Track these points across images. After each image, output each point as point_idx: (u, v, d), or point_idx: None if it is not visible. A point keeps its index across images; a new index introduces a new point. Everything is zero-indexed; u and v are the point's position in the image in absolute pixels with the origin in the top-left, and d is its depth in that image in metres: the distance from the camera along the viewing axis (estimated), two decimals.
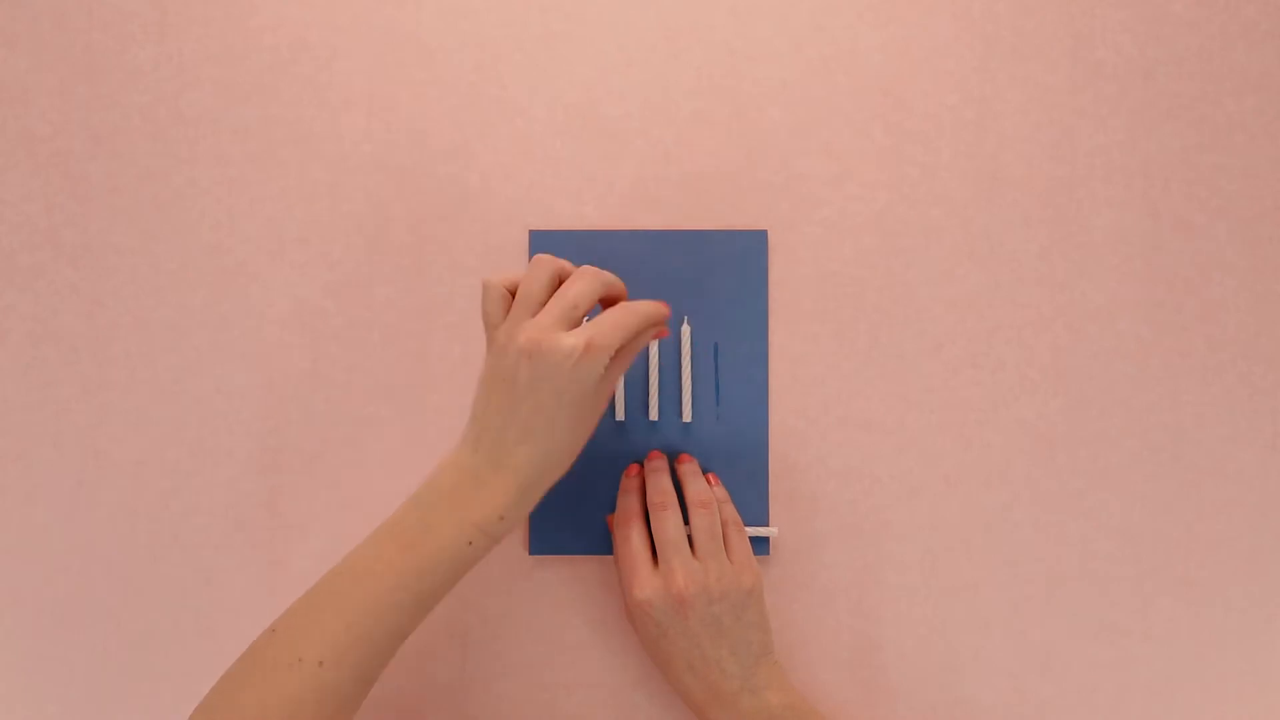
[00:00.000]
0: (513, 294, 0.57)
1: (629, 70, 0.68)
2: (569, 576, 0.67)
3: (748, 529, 0.65)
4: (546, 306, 0.55)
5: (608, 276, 0.57)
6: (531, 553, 0.66)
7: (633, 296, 0.66)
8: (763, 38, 0.68)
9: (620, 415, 0.66)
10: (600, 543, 0.66)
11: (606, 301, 0.59)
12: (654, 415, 0.66)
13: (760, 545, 0.66)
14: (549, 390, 0.54)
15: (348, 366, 0.67)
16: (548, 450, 0.55)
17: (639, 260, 0.67)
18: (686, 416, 0.66)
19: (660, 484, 0.63)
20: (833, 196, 0.67)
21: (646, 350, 0.66)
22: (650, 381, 0.66)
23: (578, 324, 0.56)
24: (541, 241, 0.67)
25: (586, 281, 0.56)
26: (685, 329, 0.66)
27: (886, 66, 0.68)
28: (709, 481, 0.65)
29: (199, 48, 0.68)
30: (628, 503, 0.63)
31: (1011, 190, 0.67)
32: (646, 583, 0.60)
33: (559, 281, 0.57)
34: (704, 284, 0.67)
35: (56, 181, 0.67)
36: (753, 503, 0.66)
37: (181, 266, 0.67)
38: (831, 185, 0.67)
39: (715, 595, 0.59)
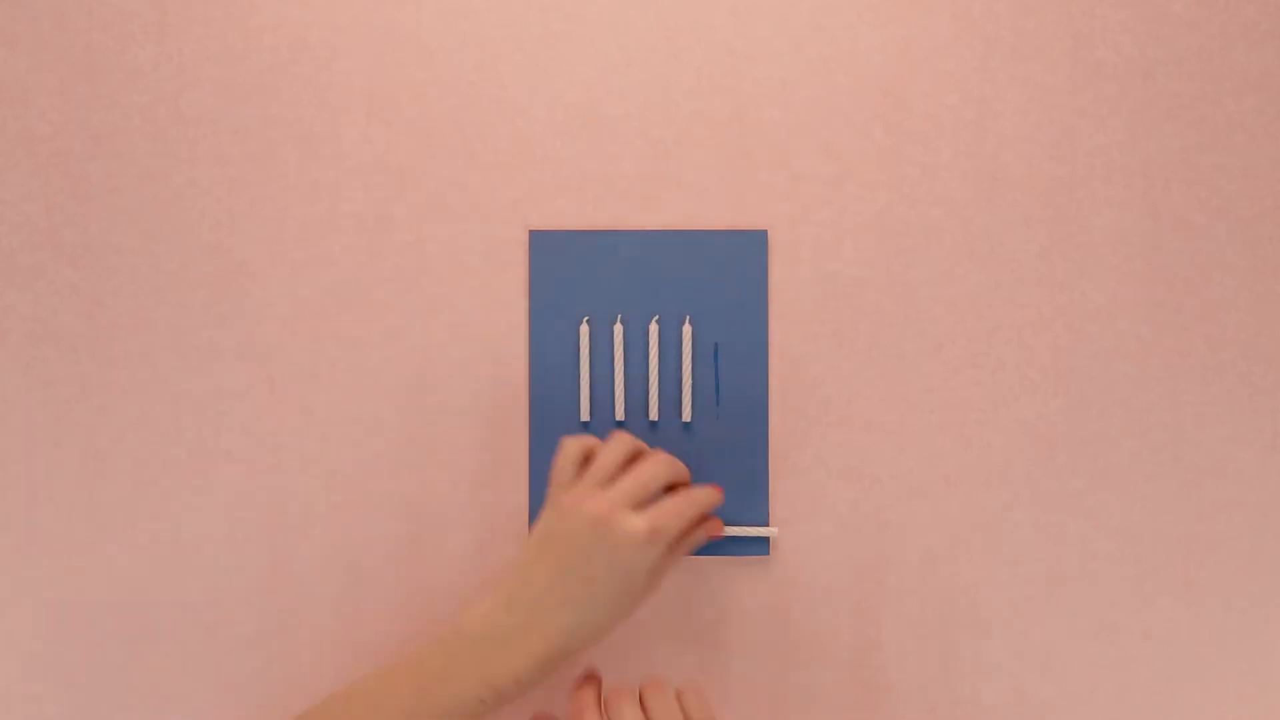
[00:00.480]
0: (586, 459, 0.60)
1: (629, 70, 0.68)
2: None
3: (748, 528, 0.65)
4: (621, 483, 0.57)
5: (679, 465, 0.60)
6: None
7: (634, 295, 0.66)
8: (763, 38, 0.68)
9: (620, 415, 0.66)
10: None
11: (669, 488, 0.62)
12: (654, 415, 0.66)
13: (760, 545, 0.66)
14: (604, 564, 0.55)
15: (348, 367, 0.67)
16: (585, 620, 0.55)
17: (638, 260, 0.67)
18: (686, 416, 0.66)
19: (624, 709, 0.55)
20: (833, 196, 0.67)
21: (646, 350, 0.66)
22: (650, 381, 0.66)
23: (644, 506, 0.57)
24: (541, 241, 0.67)
25: (662, 466, 0.59)
26: (686, 329, 0.66)
27: (886, 66, 0.68)
28: (681, 698, 0.57)
29: (199, 48, 0.68)
30: (580, 696, 0.56)
31: (1011, 190, 0.67)
32: None
33: (633, 458, 0.60)
34: (704, 284, 0.67)
35: (56, 181, 0.67)
36: (753, 503, 0.66)
37: (181, 266, 0.67)
38: (831, 185, 0.67)
39: None
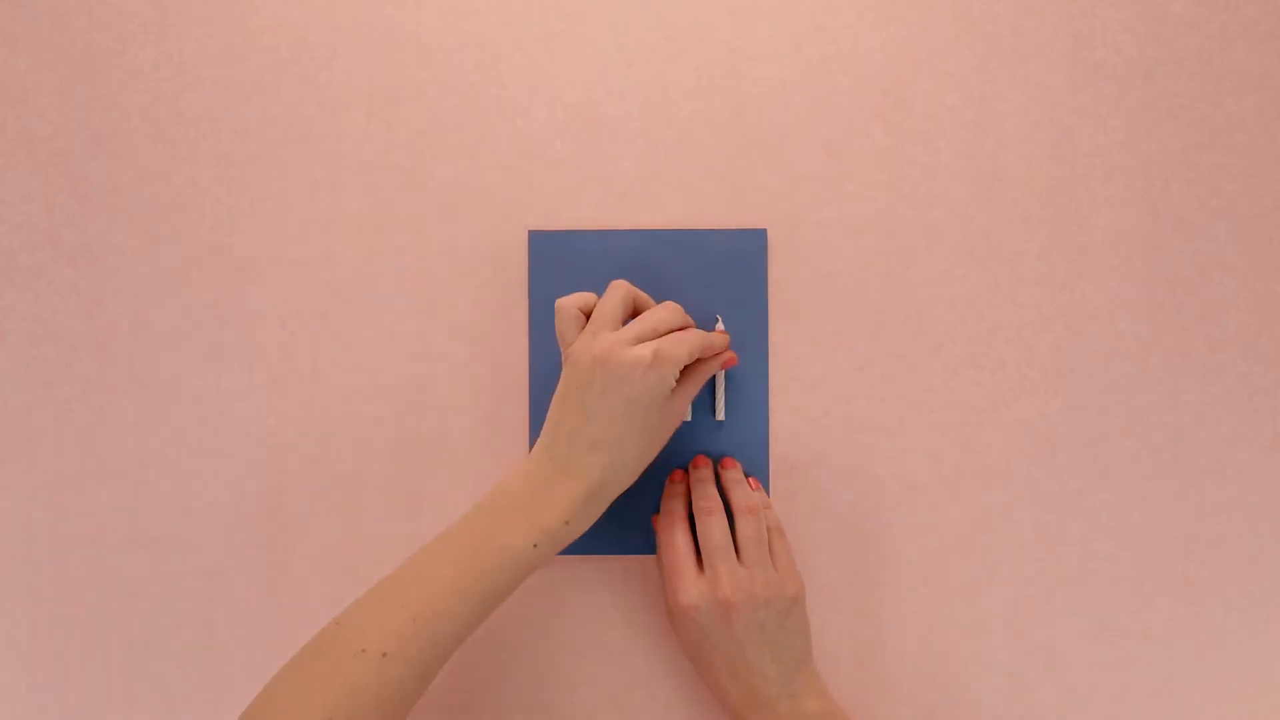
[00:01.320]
0: (586, 315, 0.60)
1: (629, 70, 0.68)
2: (570, 577, 0.67)
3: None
4: (629, 325, 0.58)
5: (684, 313, 0.60)
6: None
7: None
8: (763, 38, 0.68)
9: None
10: (601, 543, 0.66)
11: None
12: None
13: None
14: (620, 399, 0.56)
15: (348, 366, 0.67)
16: (615, 458, 0.57)
17: (638, 260, 0.67)
18: (687, 416, 0.66)
19: (706, 490, 0.63)
20: (833, 196, 0.67)
21: None
22: None
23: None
24: (541, 241, 0.67)
25: (666, 312, 0.59)
26: None
27: (886, 66, 0.68)
28: (751, 486, 0.65)
29: (199, 48, 0.68)
30: (673, 506, 0.64)
31: (1011, 190, 0.67)
32: (692, 587, 0.60)
33: (632, 305, 0.61)
34: (704, 284, 0.67)
35: (56, 181, 0.67)
36: None
37: (181, 266, 0.67)
38: (831, 185, 0.67)
39: (760, 602, 0.60)
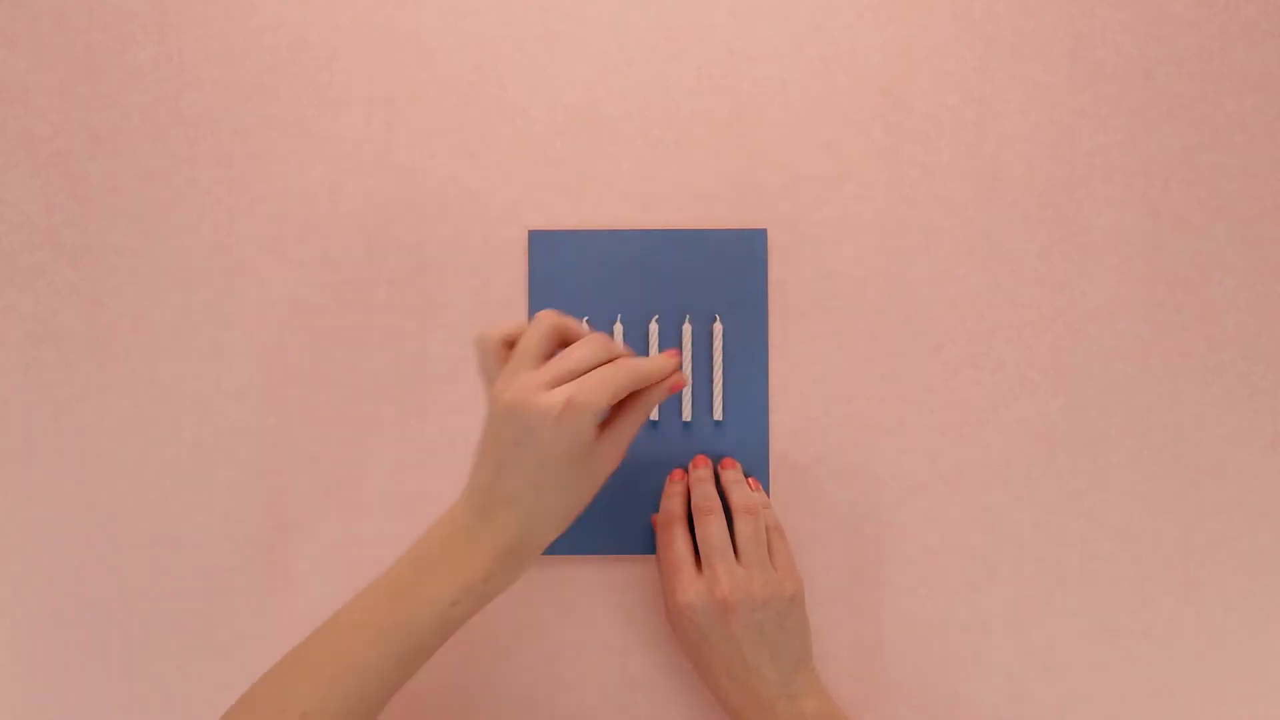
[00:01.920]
0: (510, 347, 0.56)
1: (629, 70, 0.68)
2: (570, 576, 0.67)
3: None
4: (544, 366, 0.53)
5: (615, 345, 0.55)
6: None
7: (634, 295, 0.66)
8: (763, 38, 0.68)
9: None
10: (602, 543, 0.66)
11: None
12: (654, 415, 0.66)
13: None
14: (532, 453, 0.52)
15: (348, 366, 0.67)
16: (532, 516, 0.53)
17: (639, 260, 0.67)
18: (686, 416, 0.66)
19: (705, 490, 0.63)
20: (833, 196, 0.67)
21: (646, 350, 0.66)
22: None
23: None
24: (541, 241, 0.67)
25: (590, 349, 0.54)
26: (686, 329, 0.66)
27: (886, 66, 0.68)
28: (750, 486, 0.65)
29: (199, 48, 0.68)
30: (672, 506, 0.63)
31: (1011, 190, 0.67)
32: (690, 586, 0.60)
33: (560, 338, 0.55)
34: (704, 284, 0.67)
35: (56, 181, 0.67)
36: None
37: (181, 266, 0.67)
38: (831, 185, 0.67)
39: (759, 602, 0.59)
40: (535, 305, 0.67)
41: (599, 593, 0.67)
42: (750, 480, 0.65)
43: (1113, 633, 0.66)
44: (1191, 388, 0.67)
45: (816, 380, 0.67)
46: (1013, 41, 0.67)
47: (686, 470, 0.65)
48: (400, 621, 0.53)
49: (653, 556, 0.66)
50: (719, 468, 0.65)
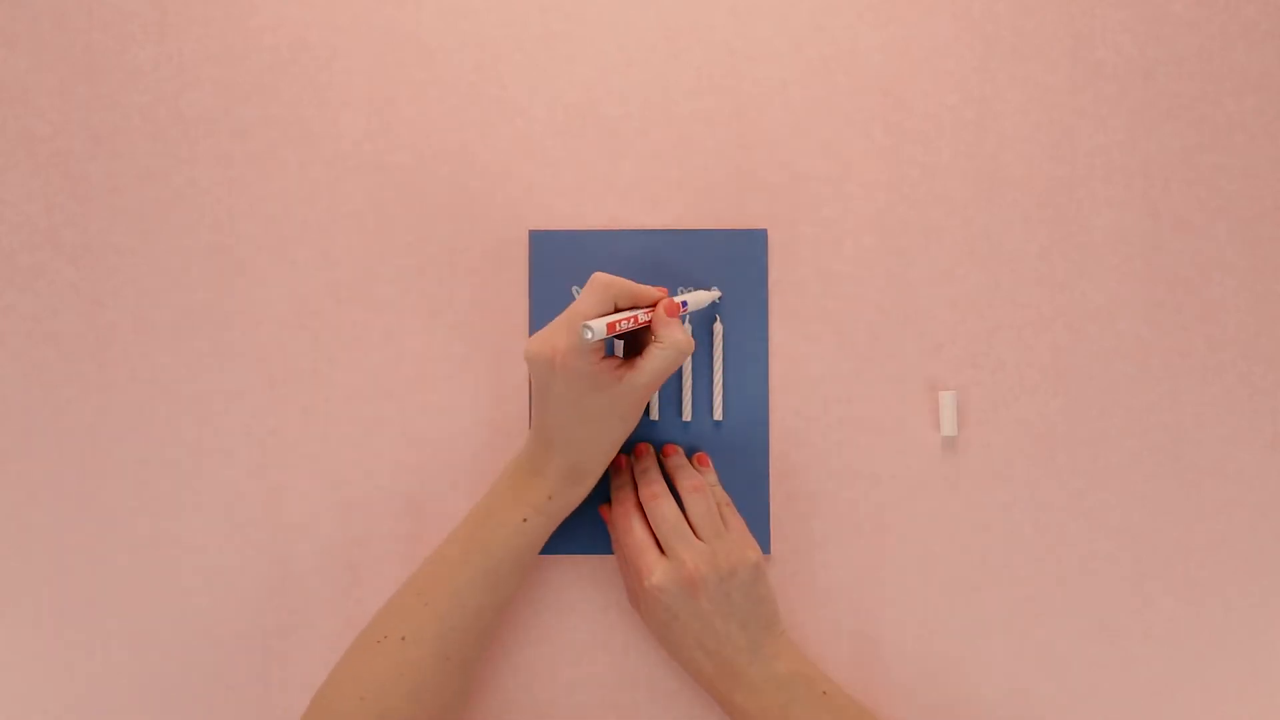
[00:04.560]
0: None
1: (629, 70, 0.68)
2: (569, 576, 0.67)
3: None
4: (560, 317, 0.58)
5: (618, 284, 0.58)
6: None
7: None
8: (763, 38, 0.68)
9: None
10: (601, 542, 0.66)
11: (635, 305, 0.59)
12: (654, 415, 0.66)
13: (762, 539, 0.66)
14: (557, 391, 0.58)
15: (348, 366, 0.67)
16: (577, 443, 0.60)
17: (639, 260, 0.67)
18: (686, 416, 0.66)
19: (651, 476, 0.64)
20: (833, 196, 0.67)
21: None
22: None
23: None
24: (541, 241, 0.67)
25: (587, 289, 0.58)
26: (686, 328, 0.66)
27: (886, 66, 0.68)
28: (697, 463, 0.65)
29: (199, 48, 0.68)
30: (623, 496, 0.64)
31: (1011, 190, 0.67)
32: (656, 569, 0.61)
33: (611, 304, 0.58)
34: (704, 284, 0.67)
35: (56, 181, 0.67)
36: (753, 503, 0.66)
37: (181, 266, 0.67)
38: (831, 185, 0.67)
39: (725, 572, 0.60)
40: (535, 305, 0.67)
41: (599, 593, 0.67)
42: (698, 456, 0.65)
43: (1113, 633, 0.66)
44: (1191, 388, 0.67)
45: (816, 380, 0.67)
46: (1013, 41, 0.67)
47: (630, 458, 0.66)
48: (481, 541, 0.61)
49: None
50: (661, 455, 0.65)
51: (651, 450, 0.65)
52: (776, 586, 0.66)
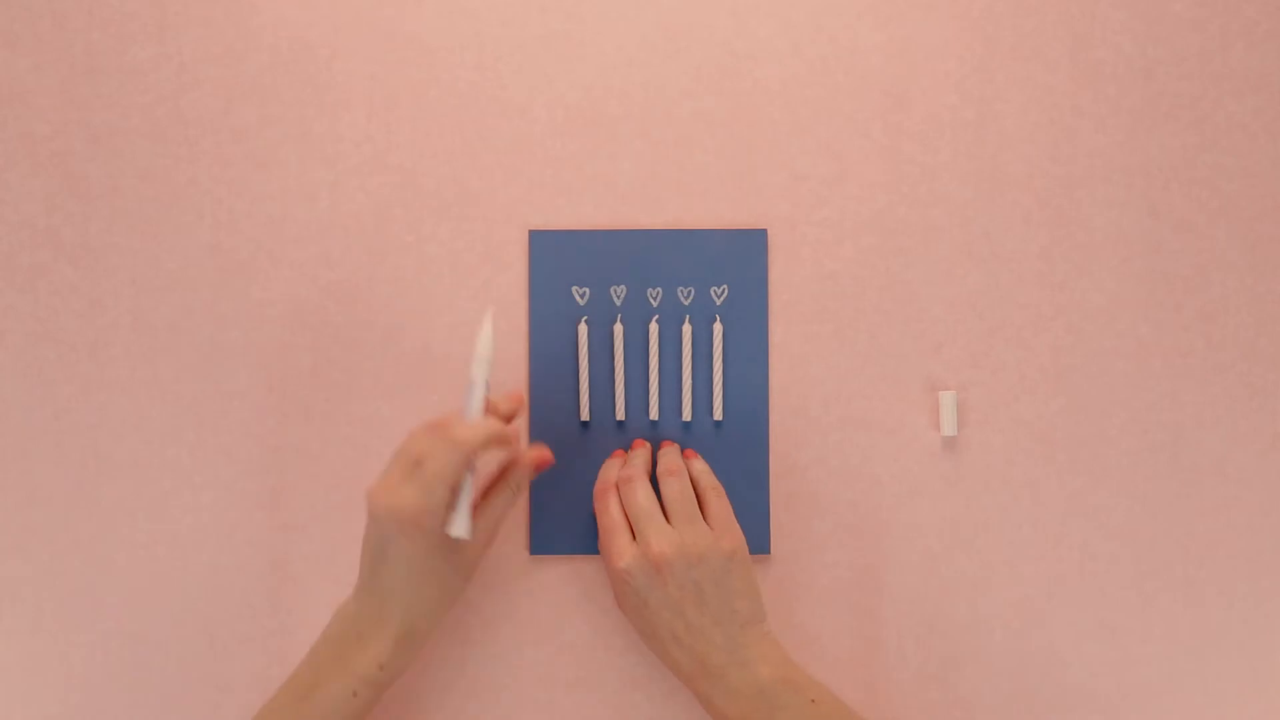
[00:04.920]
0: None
1: (629, 70, 0.68)
2: (569, 576, 0.67)
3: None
4: (394, 461, 0.57)
5: (467, 433, 0.56)
6: (532, 553, 0.66)
7: (634, 292, 0.66)
8: (763, 38, 0.68)
9: (620, 415, 0.66)
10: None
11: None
12: (654, 415, 0.66)
13: (761, 546, 0.66)
14: (395, 552, 0.56)
15: (348, 366, 0.67)
16: (412, 606, 0.57)
17: (639, 259, 0.67)
18: (686, 416, 0.66)
19: (633, 462, 0.63)
20: (833, 196, 0.67)
21: (646, 349, 0.66)
22: (650, 381, 0.66)
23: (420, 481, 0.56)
24: (541, 241, 0.67)
25: (426, 440, 0.56)
26: (686, 329, 0.66)
27: (886, 66, 0.68)
28: (686, 455, 0.65)
29: (199, 48, 0.68)
30: (606, 476, 0.64)
31: (1011, 190, 0.67)
32: (625, 551, 0.60)
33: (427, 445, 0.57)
34: (704, 284, 0.67)
35: (56, 181, 0.67)
36: (753, 502, 0.66)
37: (181, 266, 0.67)
38: (831, 185, 0.67)
39: (693, 559, 0.59)
40: (535, 305, 0.67)
41: (598, 593, 0.66)
42: (686, 451, 0.65)
43: (1113, 633, 0.66)
44: (1191, 388, 0.67)
45: (816, 380, 0.67)
46: (1013, 41, 0.67)
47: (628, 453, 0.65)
48: (304, 717, 0.57)
49: None
50: (657, 449, 0.65)
51: (647, 443, 0.65)
52: (776, 586, 0.66)
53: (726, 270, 0.67)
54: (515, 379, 0.67)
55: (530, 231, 0.67)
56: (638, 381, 0.66)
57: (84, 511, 0.67)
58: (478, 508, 0.59)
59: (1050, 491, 0.67)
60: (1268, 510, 0.66)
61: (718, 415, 0.66)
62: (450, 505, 0.56)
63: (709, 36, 0.68)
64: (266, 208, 0.67)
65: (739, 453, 0.66)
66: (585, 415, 0.66)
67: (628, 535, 0.61)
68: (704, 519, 0.61)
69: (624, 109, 0.68)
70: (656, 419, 0.66)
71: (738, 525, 0.62)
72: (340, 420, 0.67)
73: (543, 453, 0.62)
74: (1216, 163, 0.67)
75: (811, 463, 0.67)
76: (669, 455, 0.64)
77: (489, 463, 0.61)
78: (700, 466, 0.64)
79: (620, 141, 0.68)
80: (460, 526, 0.56)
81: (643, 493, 0.61)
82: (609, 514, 0.62)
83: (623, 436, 0.66)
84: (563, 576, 0.67)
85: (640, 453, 0.65)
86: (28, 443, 0.67)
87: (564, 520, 0.66)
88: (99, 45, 0.67)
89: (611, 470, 0.64)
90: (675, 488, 0.62)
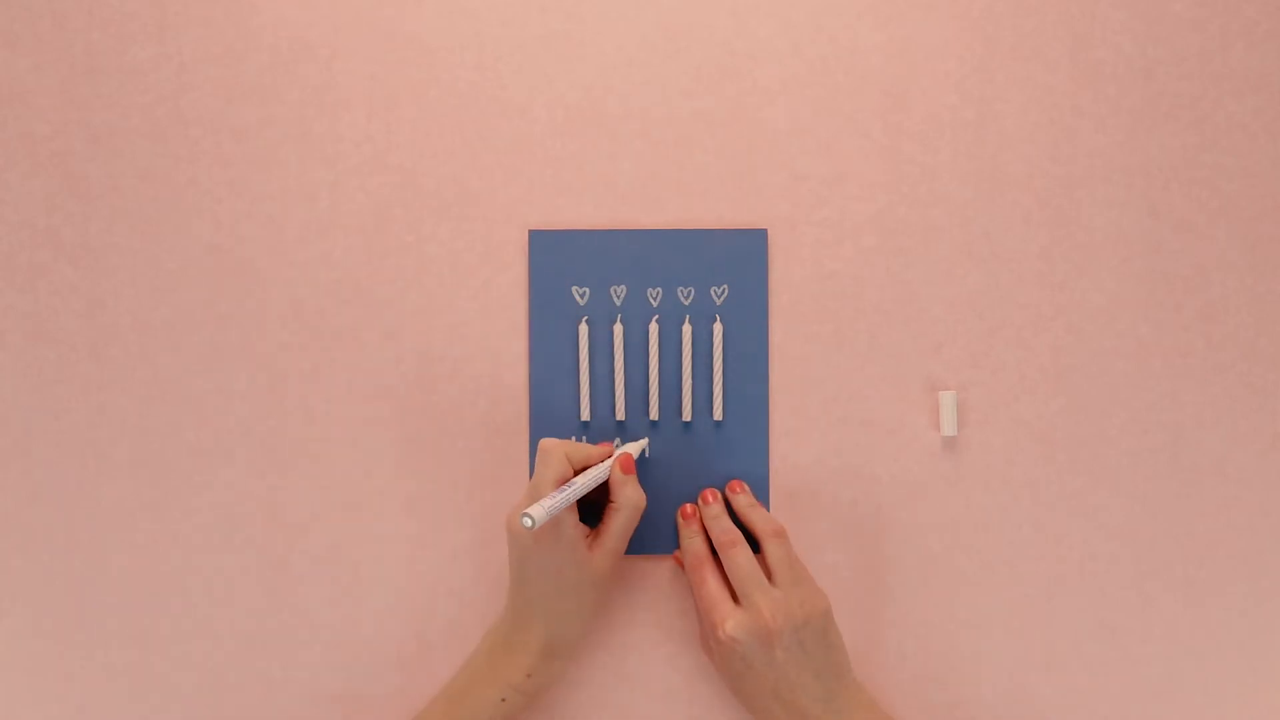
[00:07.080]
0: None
1: (629, 70, 0.68)
2: None
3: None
4: (530, 486, 0.60)
5: (566, 446, 0.60)
6: None
7: (634, 291, 0.66)
8: (763, 38, 0.68)
9: (620, 415, 0.66)
10: None
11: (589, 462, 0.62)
12: (654, 415, 0.66)
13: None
14: (532, 568, 0.60)
15: (348, 366, 0.67)
16: (553, 619, 0.61)
17: (639, 259, 0.67)
18: (686, 416, 0.66)
19: (723, 524, 0.63)
20: (833, 196, 0.67)
21: (646, 350, 0.66)
22: (650, 381, 0.66)
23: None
24: (541, 241, 0.67)
25: (540, 461, 0.60)
26: (686, 329, 0.66)
27: (886, 66, 0.68)
28: (731, 489, 0.65)
29: (199, 48, 0.68)
30: (695, 546, 0.63)
31: (1011, 190, 0.67)
32: (731, 620, 0.60)
33: (568, 461, 0.60)
34: (704, 284, 0.67)
35: (56, 181, 0.67)
36: None
37: (181, 266, 0.67)
38: (831, 185, 0.67)
39: (800, 621, 0.60)
40: (535, 305, 0.67)
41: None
42: (733, 484, 0.65)
43: (1113, 633, 0.66)
44: (1191, 388, 0.67)
45: (816, 380, 0.67)
46: (1013, 41, 0.67)
47: (696, 504, 0.65)
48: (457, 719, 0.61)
49: (657, 556, 0.66)
50: (727, 492, 0.65)
51: (719, 495, 0.65)
52: None
53: (726, 270, 0.67)
54: (515, 379, 0.67)
55: (530, 231, 0.67)
56: (638, 381, 0.66)
57: (84, 511, 0.67)
58: (600, 531, 0.62)
59: (1050, 491, 0.67)
60: (1268, 510, 0.66)
61: (718, 415, 0.66)
62: (558, 520, 0.58)
63: (709, 36, 0.68)
64: (266, 208, 0.67)
65: (739, 453, 0.66)
66: (585, 415, 0.66)
67: (732, 604, 0.61)
68: (771, 571, 0.62)
69: (624, 109, 0.68)
70: (656, 419, 0.66)
71: (811, 575, 0.63)
72: (340, 420, 0.67)
73: (622, 459, 0.62)
74: (1216, 163, 0.67)
75: (811, 463, 0.67)
76: (762, 514, 0.64)
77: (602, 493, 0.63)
78: (746, 500, 0.65)
79: (620, 141, 0.68)
80: (530, 518, 0.56)
81: (746, 559, 0.61)
82: (708, 584, 0.62)
83: (623, 435, 0.66)
84: None
85: (722, 510, 0.64)
86: (28, 443, 0.67)
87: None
88: (99, 45, 0.67)
89: (696, 537, 0.64)
90: (780, 551, 0.62)
